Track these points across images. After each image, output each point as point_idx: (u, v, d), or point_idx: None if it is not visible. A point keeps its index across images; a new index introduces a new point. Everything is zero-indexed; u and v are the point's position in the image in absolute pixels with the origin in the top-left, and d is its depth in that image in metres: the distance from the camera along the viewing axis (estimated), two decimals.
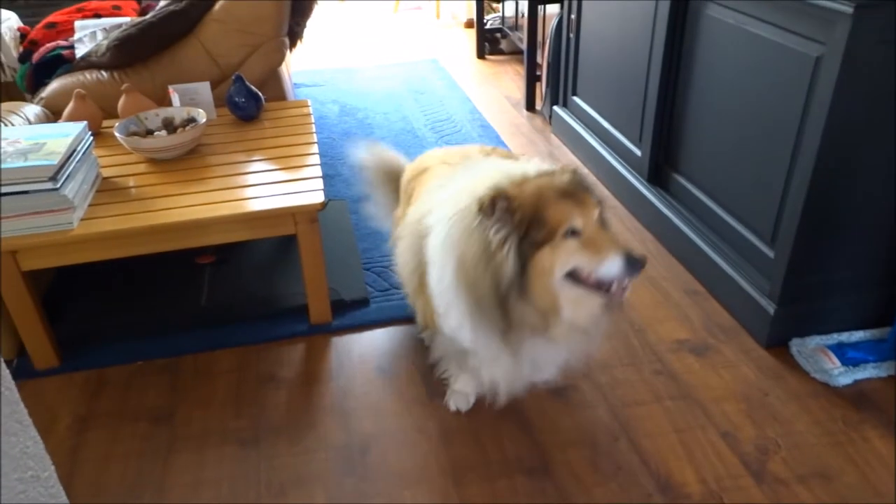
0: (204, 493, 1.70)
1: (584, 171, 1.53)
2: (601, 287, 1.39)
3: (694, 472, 1.69)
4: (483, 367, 1.70)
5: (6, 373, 0.70)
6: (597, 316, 1.51)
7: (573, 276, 1.39)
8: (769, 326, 2.03)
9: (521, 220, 1.34)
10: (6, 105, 2.38)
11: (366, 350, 2.14)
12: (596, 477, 1.69)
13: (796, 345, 2.03)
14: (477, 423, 1.86)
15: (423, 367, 2.05)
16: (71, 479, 1.74)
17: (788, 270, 1.94)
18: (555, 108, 3.53)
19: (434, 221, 1.56)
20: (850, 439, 1.76)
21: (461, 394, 1.90)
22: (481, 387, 1.81)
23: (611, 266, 1.34)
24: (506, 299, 1.38)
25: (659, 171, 2.67)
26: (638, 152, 2.76)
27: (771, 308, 2.01)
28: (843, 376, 1.91)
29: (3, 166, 1.83)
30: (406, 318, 2.21)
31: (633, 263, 1.33)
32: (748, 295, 2.10)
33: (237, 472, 1.74)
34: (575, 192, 1.40)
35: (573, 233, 1.36)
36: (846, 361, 1.95)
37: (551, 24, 3.52)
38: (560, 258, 1.36)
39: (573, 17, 3.18)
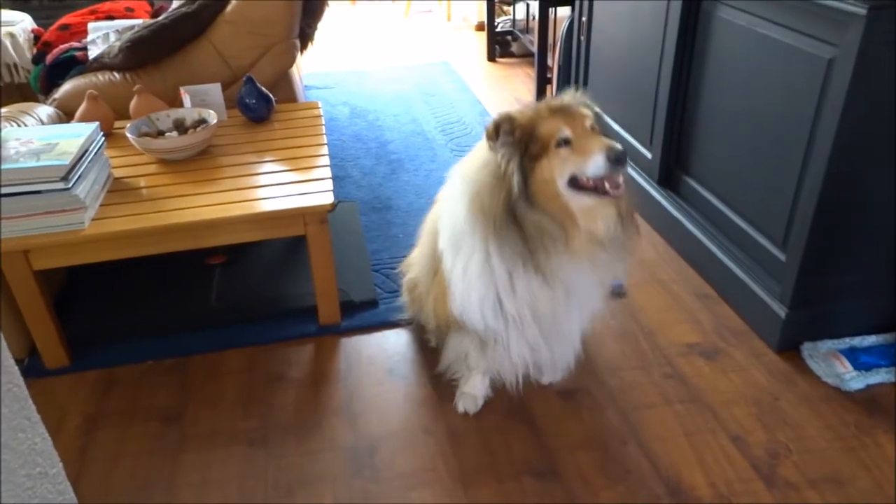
0: (212, 492, 1.70)
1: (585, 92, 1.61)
2: (598, 188, 1.46)
3: (704, 476, 1.67)
4: (513, 335, 1.68)
5: (14, 369, 0.70)
6: (612, 227, 1.55)
7: (574, 184, 1.47)
8: (780, 330, 2.01)
9: (520, 138, 1.46)
10: (19, 106, 2.40)
11: (374, 351, 2.14)
12: (605, 480, 1.68)
13: (808, 349, 2.01)
14: (485, 425, 1.85)
15: (432, 368, 2.05)
16: (80, 477, 1.75)
17: (800, 274, 1.92)
18: None
19: (443, 195, 1.71)
20: (863, 444, 1.74)
21: (469, 395, 1.89)
22: (498, 376, 1.83)
23: (595, 165, 1.42)
24: (516, 211, 1.47)
25: (669, 174, 2.66)
26: (648, 155, 2.74)
27: (782, 312, 2.00)
28: (855, 381, 1.89)
29: (15, 166, 1.84)
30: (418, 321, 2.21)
31: (615, 158, 1.41)
32: (759, 298, 2.08)
33: (245, 472, 1.75)
34: (565, 107, 1.50)
35: (565, 142, 1.45)
36: (858, 366, 1.93)
37: (562, 27, 3.51)
38: (556, 167, 1.46)
39: (584, 19, 3.18)
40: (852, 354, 1.97)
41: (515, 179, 1.46)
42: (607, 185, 1.45)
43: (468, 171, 1.59)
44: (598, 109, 1.58)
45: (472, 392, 1.89)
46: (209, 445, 1.83)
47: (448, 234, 1.66)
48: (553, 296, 1.59)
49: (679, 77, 2.48)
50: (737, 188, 2.24)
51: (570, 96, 1.57)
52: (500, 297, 1.61)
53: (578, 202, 1.49)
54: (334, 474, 1.73)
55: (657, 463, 1.72)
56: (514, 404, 1.91)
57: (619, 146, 1.43)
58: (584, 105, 1.54)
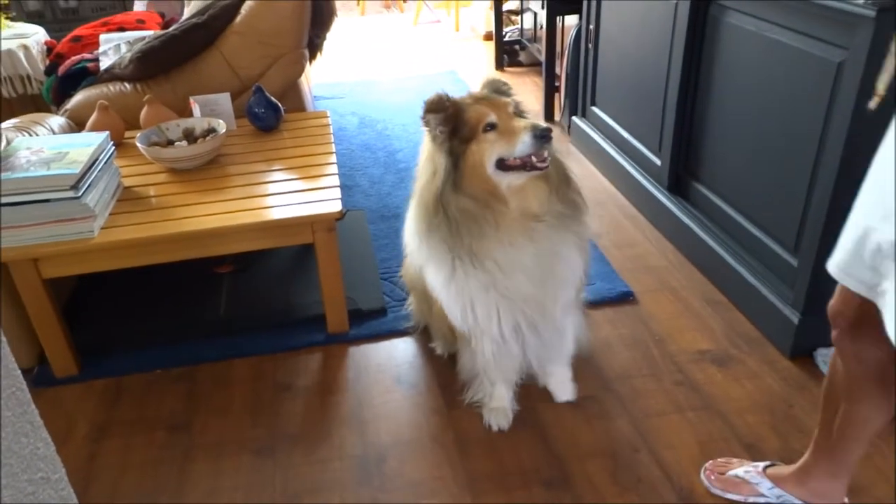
0: (220, 501, 1.69)
1: (501, 78, 1.70)
2: (526, 165, 1.52)
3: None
4: (490, 333, 1.69)
5: (17, 373, 0.70)
6: (545, 200, 1.59)
7: (502, 165, 1.53)
8: (793, 336, 1.99)
9: (447, 118, 1.53)
10: (31, 116, 2.42)
11: (383, 360, 2.13)
12: (616, 489, 1.66)
13: (822, 355, 1.98)
14: (495, 434, 1.83)
15: (440, 377, 2.04)
16: (88, 486, 1.75)
17: (813, 278, 1.90)
18: (573, 118, 3.52)
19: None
20: (878, 451, 1.71)
21: (499, 410, 1.86)
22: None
23: (523, 144, 1.49)
24: (443, 198, 1.53)
25: (679, 180, 2.64)
26: (658, 162, 2.73)
27: (795, 317, 1.97)
28: None
29: (26, 175, 1.85)
30: (424, 329, 2.20)
31: (540, 136, 1.48)
32: (771, 304, 2.06)
33: (253, 481, 1.74)
34: (489, 96, 1.59)
35: (491, 126, 1.52)
36: None
37: (570, 35, 3.51)
38: (485, 150, 1.52)
39: (592, 27, 3.17)
40: None
41: (443, 164, 1.53)
42: (535, 160, 1.51)
43: (417, 171, 1.66)
44: (517, 96, 1.67)
45: (501, 405, 1.86)
46: (217, 455, 1.82)
47: (411, 244, 1.71)
48: (513, 278, 1.59)
49: (687, 83, 2.47)
50: (747, 193, 2.22)
51: (490, 85, 1.65)
52: (471, 298, 1.62)
53: (508, 182, 1.55)
54: (342, 483, 1.72)
55: (669, 471, 1.69)
56: (524, 413, 1.89)
57: (542, 124, 1.51)
58: (504, 93, 1.63)
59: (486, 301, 1.62)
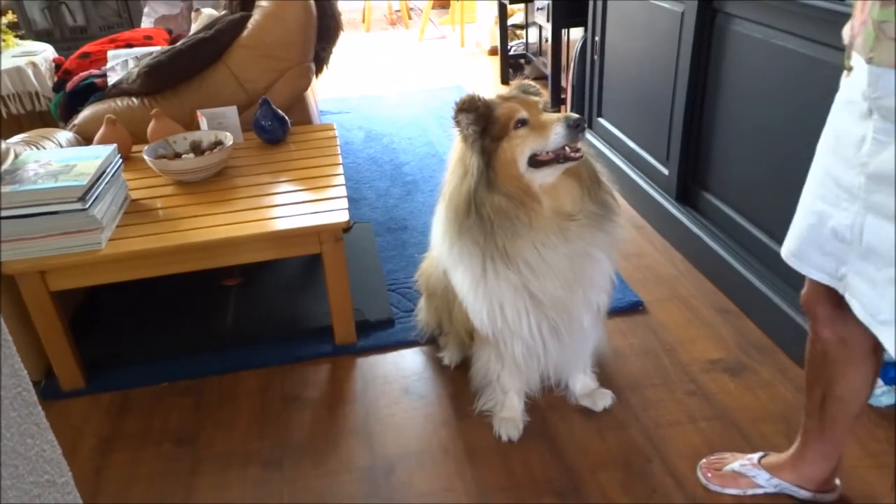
0: None
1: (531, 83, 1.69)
2: (559, 157, 1.52)
3: (732, 495, 1.62)
4: (520, 335, 1.67)
5: (23, 373, 0.69)
6: (577, 199, 1.59)
7: (535, 162, 1.52)
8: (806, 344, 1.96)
9: (478, 117, 1.53)
10: (40, 131, 2.43)
11: (390, 371, 2.11)
12: (629, 499, 1.63)
13: None
14: (505, 445, 1.81)
15: (450, 387, 2.02)
16: (95, 498, 1.73)
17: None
18: None
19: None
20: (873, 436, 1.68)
21: (509, 420, 1.84)
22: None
23: (556, 136, 1.49)
24: (476, 197, 1.52)
25: (687, 189, 2.63)
26: (665, 171, 2.72)
27: (807, 325, 1.94)
28: (885, 396, 1.84)
29: (33, 187, 1.85)
30: (432, 339, 2.19)
31: (574, 125, 1.48)
32: (783, 313, 2.04)
33: (260, 494, 1.72)
34: (518, 95, 1.59)
35: (522, 122, 1.52)
36: (889, 381, 1.87)
37: (575, 48, 3.52)
38: (517, 147, 1.51)
39: (597, 38, 3.18)
40: (883, 369, 1.91)
41: (476, 163, 1.53)
42: (568, 151, 1.51)
43: (446, 176, 1.66)
44: (545, 95, 1.69)
45: (512, 415, 1.84)
46: (224, 467, 1.81)
47: (440, 247, 1.69)
48: (544, 279, 1.58)
49: (694, 92, 2.46)
50: (756, 201, 2.20)
51: (519, 87, 1.65)
52: (501, 300, 1.60)
53: (541, 180, 1.54)
54: (351, 495, 1.70)
55: (683, 482, 1.67)
56: (535, 423, 1.86)
57: (574, 114, 1.50)
58: (533, 93, 1.63)
59: (516, 302, 1.60)
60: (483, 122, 1.54)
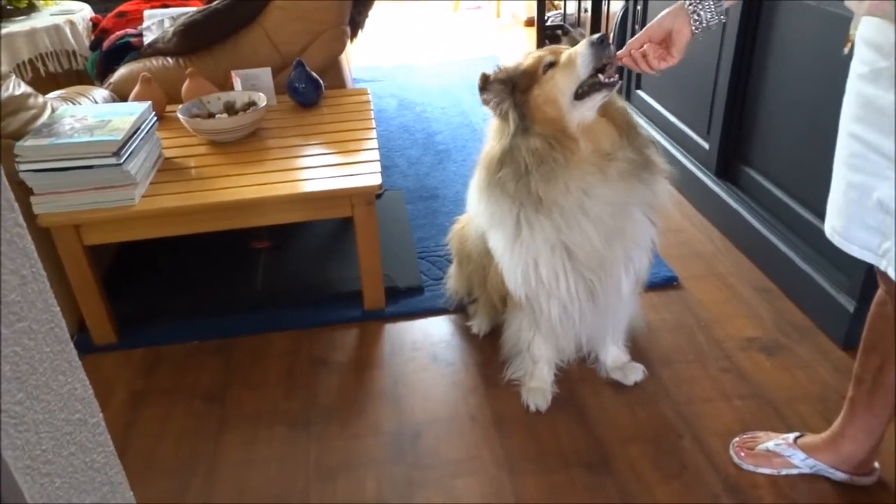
0: (254, 472, 1.68)
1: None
2: (598, 85, 1.46)
3: (765, 474, 1.58)
4: (555, 296, 1.63)
5: (56, 309, 0.67)
6: (615, 140, 1.53)
7: (578, 97, 1.47)
8: (848, 325, 1.90)
9: (507, 79, 1.52)
10: (76, 88, 2.44)
11: (419, 337, 2.10)
12: (659, 475, 1.60)
13: None
14: (533, 415, 1.79)
15: (478, 356, 2.00)
16: (125, 452, 1.75)
17: (870, 265, 1.80)
18: None
19: None
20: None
21: (538, 390, 1.81)
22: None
23: (583, 58, 1.44)
24: (511, 142, 1.50)
25: (728, 164, 2.55)
26: (706, 146, 2.64)
27: (850, 306, 1.88)
28: None
29: (69, 141, 1.86)
30: (460, 308, 2.17)
31: (598, 42, 1.43)
32: (825, 292, 1.97)
33: (287, 453, 1.72)
34: (543, 50, 1.55)
35: (550, 65, 1.49)
36: None
37: (615, 19, 3.43)
38: (550, 88, 1.48)
39: (639, 7, 3.09)
40: None
41: (512, 116, 1.50)
42: (602, 77, 1.44)
43: (484, 149, 1.63)
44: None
45: (541, 385, 1.82)
46: (252, 426, 1.81)
47: (475, 207, 1.66)
48: (581, 230, 1.52)
49: (740, 63, 2.38)
50: (801, 177, 2.13)
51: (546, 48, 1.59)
52: (536, 257, 1.57)
53: (579, 118, 1.49)
54: (377, 459, 1.69)
55: (715, 459, 1.63)
56: (564, 395, 1.84)
57: (595, 33, 1.48)
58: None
59: (552, 260, 1.56)
60: (511, 85, 1.51)
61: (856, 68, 1.16)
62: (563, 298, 1.61)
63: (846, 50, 1.20)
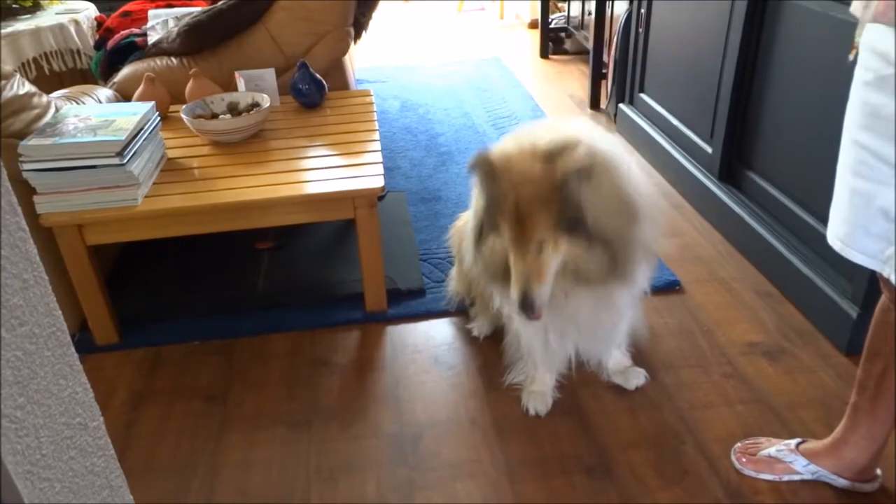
0: (254, 473, 1.67)
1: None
2: None
3: (767, 481, 1.57)
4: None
5: (58, 313, 0.67)
6: (581, 254, 1.46)
7: None
8: (850, 331, 1.89)
9: (487, 192, 1.43)
10: (80, 87, 2.44)
11: (420, 340, 2.10)
12: (661, 480, 1.60)
13: None
14: (534, 419, 1.78)
15: (479, 359, 2.00)
16: (125, 452, 1.75)
17: (873, 271, 1.80)
18: (621, 105, 3.43)
19: None
20: None
21: (539, 394, 1.81)
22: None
23: (512, 293, 1.44)
24: (483, 249, 1.53)
25: (731, 168, 2.55)
26: (709, 149, 2.64)
27: (853, 312, 1.88)
28: None
29: (72, 140, 1.86)
30: (462, 310, 2.16)
31: (521, 304, 1.41)
32: (828, 297, 1.97)
33: (288, 454, 1.72)
34: (529, 214, 1.37)
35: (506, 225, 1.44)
36: None
37: (619, 22, 3.42)
38: (498, 248, 1.49)
39: (643, 11, 3.09)
40: None
41: (475, 221, 1.53)
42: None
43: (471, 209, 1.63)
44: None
45: (541, 389, 1.82)
46: (252, 427, 1.81)
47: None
48: (560, 321, 1.61)
49: (744, 68, 2.37)
50: (805, 182, 2.12)
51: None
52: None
53: None
54: (378, 461, 1.69)
55: (717, 465, 1.63)
56: (565, 399, 1.83)
57: (532, 290, 1.40)
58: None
59: (536, 331, 1.66)
60: (490, 202, 1.44)
61: (861, 75, 1.16)
62: (554, 339, 1.68)
63: (851, 56, 1.20)
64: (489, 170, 1.40)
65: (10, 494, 0.56)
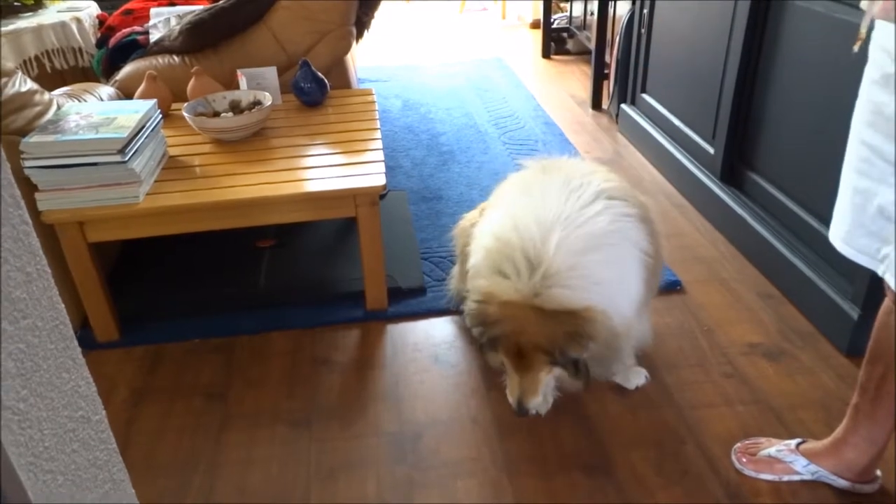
0: (254, 471, 1.67)
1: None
2: None
3: (767, 481, 1.57)
4: None
5: (61, 307, 0.67)
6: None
7: None
8: (851, 332, 1.89)
9: (488, 335, 1.53)
10: (82, 85, 2.44)
11: (421, 339, 2.10)
12: (660, 480, 1.60)
13: None
14: (535, 418, 1.78)
15: (480, 358, 1.99)
16: (125, 450, 1.75)
17: (874, 272, 1.80)
18: (622, 105, 3.43)
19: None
20: None
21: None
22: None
23: (509, 397, 1.60)
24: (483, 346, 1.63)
25: (733, 169, 2.55)
26: (711, 150, 2.64)
27: (854, 313, 1.88)
28: None
29: (74, 138, 1.86)
30: (463, 309, 2.16)
31: (520, 412, 1.58)
32: (829, 299, 1.97)
33: (288, 452, 1.72)
34: (529, 356, 1.50)
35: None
36: None
37: (621, 22, 3.43)
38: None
39: (646, 11, 3.09)
40: None
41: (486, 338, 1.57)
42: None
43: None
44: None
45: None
46: (252, 425, 1.81)
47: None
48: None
49: (746, 68, 2.38)
50: (807, 183, 2.13)
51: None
52: None
53: None
54: (377, 460, 1.69)
55: (717, 465, 1.63)
56: (566, 399, 1.83)
57: (530, 402, 1.56)
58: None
59: None
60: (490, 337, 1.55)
61: (869, 73, 1.16)
62: None
63: (856, 48, 1.20)
64: (492, 321, 1.49)
65: (13, 486, 0.56)
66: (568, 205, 1.54)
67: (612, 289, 1.51)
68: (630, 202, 1.62)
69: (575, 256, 1.46)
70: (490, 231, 1.61)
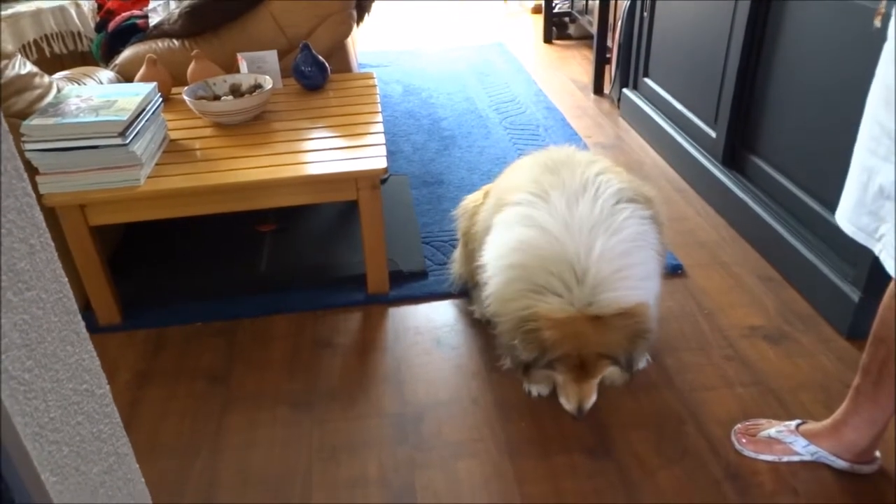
0: (256, 453, 1.68)
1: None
2: None
3: (766, 461, 1.58)
4: None
5: (64, 280, 0.67)
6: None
7: None
8: (852, 315, 1.90)
9: (544, 356, 1.49)
10: (82, 69, 2.43)
11: (422, 322, 2.10)
12: (660, 460, 1.61)
13: None
14: (535, 400, 1.79)
15: (481, 340, 2.00)
16: (128, 430, 1.74)
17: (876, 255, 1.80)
18: (624, 90, 3.42)
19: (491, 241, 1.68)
20: None
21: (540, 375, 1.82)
22: None
23: (567, 406, 1.60)
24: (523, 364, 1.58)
25: (734, 153, 2.54)
26: (713, 134, 2.63)
27: (855, 295, 1.88)
28: None
29: (75, 121, 1.85)
30: (464, 293, 2.17)
31: (574, 415, 1.58)
32: (830, 282, 1.97)
33: (290, 434, 1.73)
34: (593, 364, 1.51)
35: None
36: None
37: (623, 6, 3.41)
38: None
39: None
40: None
41: (523, 356, 1.54)
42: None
43: (498, 292, 1.61)
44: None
45: (543, 372, 1.82)
46: (254, 407, 1.82)
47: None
48: None
49: (749, 52, 2.37)
50: (809, 167, 2.12)
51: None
52: None
53: None
54: (379, 441, 1.70)
55: (716, 445, 1.63)
56: None
57: (589, 404, 1.57)
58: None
59: None
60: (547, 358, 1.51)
61: (886, 51, 1.16)
62: None
63: (877, 22, 1.18)
64: (551, 344, 1.46)
65: (19, 454, 0.56)
66: (596, 212, 1.56)
67: (648, 284, 1.56)
68: (643, 203, 1.64)
69: (617, 260, 1.49)
70: (511, 247, 1.57)
